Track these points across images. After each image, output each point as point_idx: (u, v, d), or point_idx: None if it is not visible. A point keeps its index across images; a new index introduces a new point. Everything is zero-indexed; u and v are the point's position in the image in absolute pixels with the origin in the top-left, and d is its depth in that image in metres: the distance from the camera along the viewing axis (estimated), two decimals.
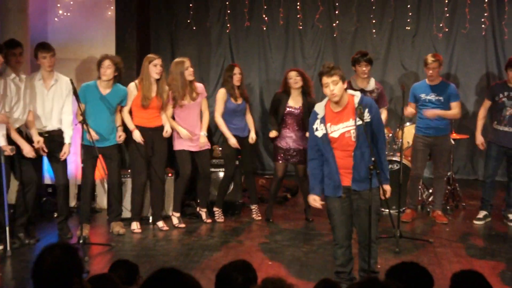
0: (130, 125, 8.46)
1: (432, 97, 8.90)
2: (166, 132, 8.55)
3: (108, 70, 8.22)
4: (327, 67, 6.04)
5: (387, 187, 6.22)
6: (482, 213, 9.13)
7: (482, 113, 9.09)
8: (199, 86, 8.90)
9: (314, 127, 6.16)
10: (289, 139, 8.90)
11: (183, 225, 8.83)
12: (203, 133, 8.83)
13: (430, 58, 8.86)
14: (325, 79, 5.99)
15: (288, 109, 8.86)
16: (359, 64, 8.90)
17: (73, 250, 3.43)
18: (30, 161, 7.90)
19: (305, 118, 8.69)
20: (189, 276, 3.06)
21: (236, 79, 8.88)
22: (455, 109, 8.94)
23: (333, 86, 5.99)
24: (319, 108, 6.19)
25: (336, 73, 6.00)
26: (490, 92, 9.08)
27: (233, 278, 3.85)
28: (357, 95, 6.17)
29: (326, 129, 6.10)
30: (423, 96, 8.92)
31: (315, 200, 6.28)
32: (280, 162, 8.98)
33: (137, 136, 8.40)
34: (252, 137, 9.06)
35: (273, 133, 8.93)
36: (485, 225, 9.04)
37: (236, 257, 6.33)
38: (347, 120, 6.09)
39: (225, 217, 9.20)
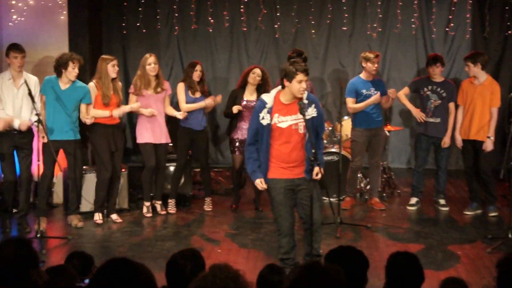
0: (103, 113, 8.39)
1: (371, 91, 9.00)
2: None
3: (75, 70, 8.18)
4: (305, 66, 6.20)
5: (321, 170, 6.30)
6: (413, 200, 9.29)
7: (403, 95, 9.26)
8: (166, 82, 8.96)
9: (261, 115, 6.17)
10: (245, 130, 8.87)
11: (150, 215, 8.90)
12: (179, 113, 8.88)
13: (372, 54, 8.98)
14: (303, 77, 6.08)
15: (244, 102, 8.88)
16: None
17: (27, 242, 3.38)
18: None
19: None
20: (139, 265, 3.03)
21: (196, 75, 8.89)
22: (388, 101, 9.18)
23: (305, 84, 6.09)
24: (268, 98, 6.23)
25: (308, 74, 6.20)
26: (413, 85, 9.26)
27: (182, 266, 3.83)
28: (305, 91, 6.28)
29: (271, 119, 6.14)
30: (364, 91, 9.00)
31: (261, 183, 6.28)
32: (237, 154, 8.99)
33: (121, 110, 8.48)
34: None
35: (235, 108, 8.88)
36: (418, 210, 9.18)
37: (187, 246, 6.33)
38: (295, 113, 6.17)
39: (177, 208, 9.15)
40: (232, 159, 9.20)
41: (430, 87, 9.01)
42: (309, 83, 9.05)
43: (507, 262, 3.40)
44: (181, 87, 8.95)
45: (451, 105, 9.03)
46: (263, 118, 6.17)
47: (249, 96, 8.91)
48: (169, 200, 9.11)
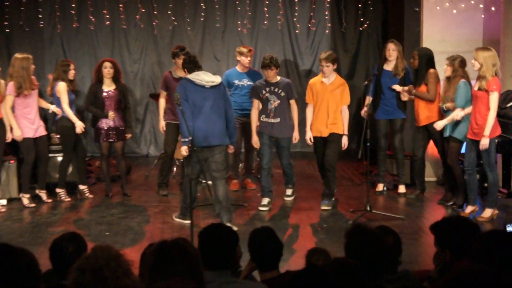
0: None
1: (244, 82, 9.00)
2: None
3: None
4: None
5: None
6: (265, 200, 8.38)
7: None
8: (34, 78, 8.63)
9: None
10: (110, 119, 8.77)
11: (33, 205, 8.50)
12: (53, 107, 8.63)
13: (246, 49, 9.07)
14: None
15: (104, 93, 8.73)
16: (178, 57, 8.89)
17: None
18: None
19: (121, 99, 8.83)
20: (20, 249, 2.91)
21: (71, 74, 8.65)
22: None
23: None
24: None
25: None
26: (254, 92, 8.45)
27: (65, 248, 3.79)
28: None
29: None
30: (236, 82, 9.00)
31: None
32: (103, 141, 8.80)
33: None
34: None
35: (111, 115, 8.70)
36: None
37: (77, 231, 6.16)
38: None
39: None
40: (99, 147, 9.00)
41: (268, 89, 8.30)
42: None
43: (353, 230, 3.58)
44: (63, 87, 8.55)
45: (292, 102, 8.39)
46: None
47: (107, 87, 8.78)
48: (59, 190, 8.79)
